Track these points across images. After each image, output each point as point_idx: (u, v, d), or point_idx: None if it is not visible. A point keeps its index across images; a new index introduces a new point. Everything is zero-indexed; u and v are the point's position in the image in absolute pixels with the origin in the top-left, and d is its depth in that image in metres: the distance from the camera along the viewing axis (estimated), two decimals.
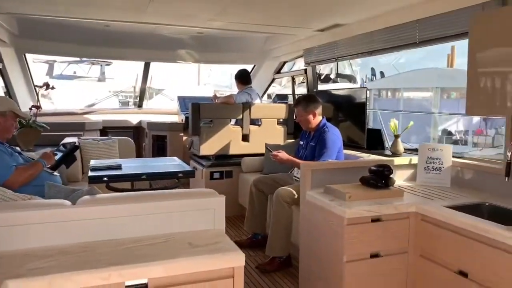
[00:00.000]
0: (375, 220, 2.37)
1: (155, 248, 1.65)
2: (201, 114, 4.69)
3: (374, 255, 2.39)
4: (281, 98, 10.60)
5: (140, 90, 7.24)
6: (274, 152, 3.45)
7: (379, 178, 2.62)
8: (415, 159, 3.03)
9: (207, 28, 4.41)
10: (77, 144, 3.11)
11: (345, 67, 13.73)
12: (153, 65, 6.85)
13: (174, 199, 1.89)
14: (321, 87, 7.58)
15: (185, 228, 1.83)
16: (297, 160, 3.35)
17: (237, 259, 1.62)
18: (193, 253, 1.60)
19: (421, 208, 2.40)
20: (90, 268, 1.45)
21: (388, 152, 3.70)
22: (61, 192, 2.12)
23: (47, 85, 4.78)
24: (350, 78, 13.63)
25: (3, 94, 5.28)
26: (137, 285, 1.49)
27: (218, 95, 5.45)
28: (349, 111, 4.36)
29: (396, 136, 3.53)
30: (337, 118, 4.48)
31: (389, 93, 18.36)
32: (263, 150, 4.48)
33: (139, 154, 6.39)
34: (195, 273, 1.56)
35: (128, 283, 1.48)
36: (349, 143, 4.08)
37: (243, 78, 5.08)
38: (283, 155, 3.41)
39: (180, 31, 4.90)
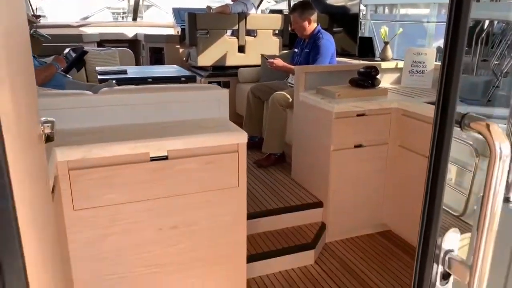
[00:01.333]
0: (360, 115, 2.68)
1: (173, 129, 1.94)
2: (197, 24, 4.77)
3: (358, 146, 2.73)
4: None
5: (134, 2, 7.14)
6: (270, 60, 3.65)
7: (367, 78, 2.88)
8: (401, 64, 3.27)
9: None
10: (85, 49, 3.27)
11: None
12: None
13: (185, 90, 2.15)
14: None
15: (195, 116, 2.11)
16: (292, 66, 3.56)
17: (240, 137, 1.92)
18: (204, 131, 1.90)
19: (402, 104, 2.69)
20: (121, 140, 1.74)
21: (378, 59, 3.92)
22: (80, 88, 2.35)
23: None
24: None
25: None
26: (159, 156, 1.80)
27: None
28: (343, 21, 4.48)
29: (386, 43, 3.72)
30: (331, 28, 4.60)
31: (386, 9, 17.95)
32: (259, 62, 4.66)
33: (138, 65, 6.54)
34: (206, 147, 1.86)
35: (151, 155, 1.78)
36: (342, 53, 4.27)
37: None
38: (278, 62, 3.61)
39: None
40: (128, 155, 1.74)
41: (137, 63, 6.50)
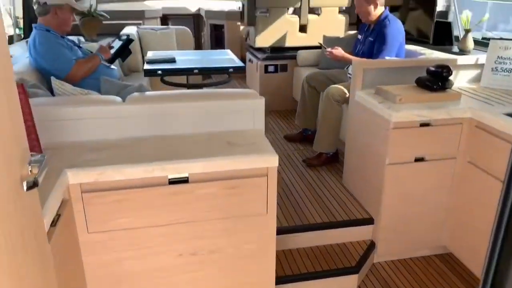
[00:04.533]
0: (424, 125, 2.29)
1: (197, 145, 1.76)
2: (256, 2, 4.47)
3: (419, 159, 2.36)
4: None
5: None
6: (329, 49, 3.29)
7: (436, 80, 2.45)
8: (482, 59, 2.75)
9: None
10: (131, 37, 3.16)
11: None
12: None
13: (216, 99, 1.94)
14: None
15: (225, 127, 1.91)
16: (352, 57, 3.18)
17: (271, 160, 1.69)
18: (230, 152, 1.69)
19: (477, 115, 2.25)
20: (137, 162, 1.60)
21: (455, 49, 3.38)
22: (114, 87, 2.25)
23: None
24: None
25: None
26: (179, 178, 1.64)
27: None
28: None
29: (467, 31, 3.17)
30: (407, 5, 4.06)
31: None
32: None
33: (198, 44, 6.42)
34: (231, 170, 1.66)
35: (170, 176, 1.63)
36: (414, 37, 3.76)
37: None
38: (338, 52, 3.25)
39: None
40: (144, 178, 1.60)
41: (198, 41, 6.39)
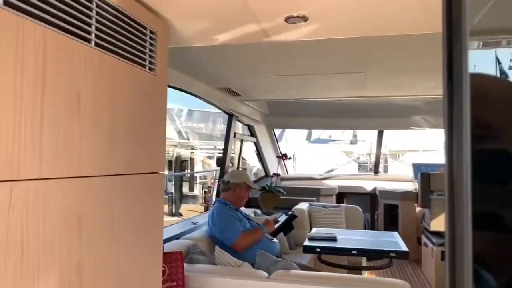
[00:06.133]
0: None
1: None
2: (431, 185, 4.30)
3: None
4: None
5: (375, 156, 7.28)
6: None
7: None
8: None
9: (435, 95, 4.15)
10: (295, 213, 3.37)
11: None
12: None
13: (358, 287, 1.81)
14: None
15: None
16: None
17: None
18: None
19: None
20: None
21: None
22: (267, 261, 2.35)
23: (284, 156, 5.46)
24: None
25: (236, 167, 6.32)
26: None
27: None
28: None
29: None
30: None
31: None
32: None
33: (372, 223, 6.33)
34: None
35: None
36: None
37: None
38: None
39: (411, 98, 4.77)
40: None
41: (372, 220, 6.31)
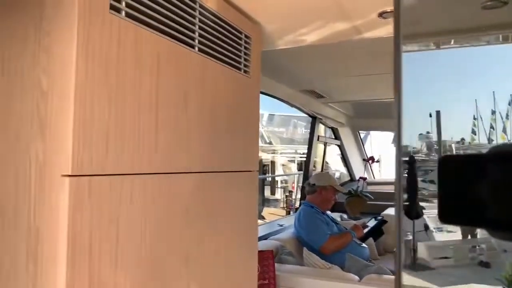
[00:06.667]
0: None
1: None
2: None
3: None
4: None
5: None
6: None
7: None
8: None
9: None
10: (385, 219, 3.24)
11: None
12: None
13: None
14: None
15: None
16: None
17: None
18: None
19: None
20: None
21: None
22: (357, 264, 2.29)
23: (371, 159, 5.28)
24: None
25: (321, 169, 6.20)
26: None
27: None
28: None
29: None
30: None
31: None
32: None
33: None
34: None
35: None
36: None
37: None
38: None
39: None
40: None
41: None
